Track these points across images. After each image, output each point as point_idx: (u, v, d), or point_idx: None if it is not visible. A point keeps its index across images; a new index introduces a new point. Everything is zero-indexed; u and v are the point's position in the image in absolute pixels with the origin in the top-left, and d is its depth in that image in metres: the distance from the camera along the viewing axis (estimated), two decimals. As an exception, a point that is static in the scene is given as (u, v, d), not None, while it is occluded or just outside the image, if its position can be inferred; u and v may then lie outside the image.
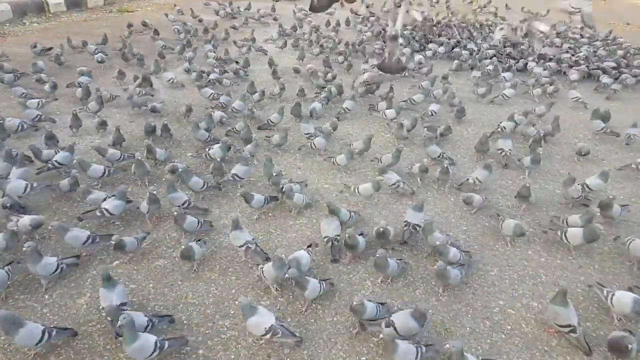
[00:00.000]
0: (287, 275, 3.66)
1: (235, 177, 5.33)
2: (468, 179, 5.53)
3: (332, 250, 4.31)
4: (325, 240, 4.35)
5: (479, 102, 8.50)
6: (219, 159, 5.41)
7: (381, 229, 4.21)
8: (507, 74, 9.59)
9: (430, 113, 7.53)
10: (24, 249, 3.66)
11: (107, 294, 3.44)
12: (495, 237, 4.79)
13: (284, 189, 4.86)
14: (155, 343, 3.08)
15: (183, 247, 3.96)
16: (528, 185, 5.04)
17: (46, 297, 3.75)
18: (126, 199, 4.63)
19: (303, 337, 3.48)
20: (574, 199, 5.27)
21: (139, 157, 5.27)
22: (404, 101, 7.95)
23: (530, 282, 4.19)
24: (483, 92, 8.46)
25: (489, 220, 5.07)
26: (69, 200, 4.96)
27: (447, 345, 3.01)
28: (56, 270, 3.76)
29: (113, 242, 3.96)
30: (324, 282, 3.80)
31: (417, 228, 4.49)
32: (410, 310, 3.38)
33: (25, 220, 4.22)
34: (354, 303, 3.40)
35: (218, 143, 5.86)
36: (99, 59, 9.13)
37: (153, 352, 3.06)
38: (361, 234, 4.29)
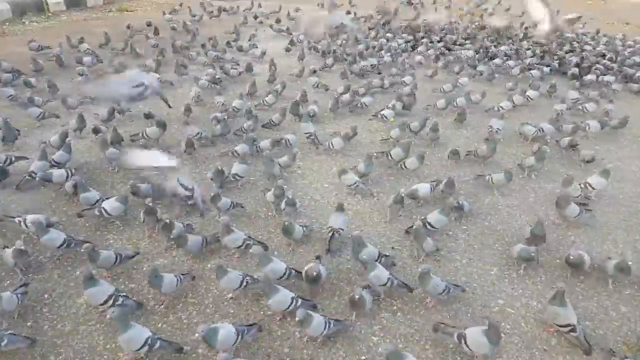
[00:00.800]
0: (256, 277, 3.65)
1: (236, 176, 5.33)
2: (485, 176, 5.57)
3: (330, 241, 4.41)
4: (328, 229, 4.46)
5: (479, 104, 8.44)
6: (244, 155, 5.63)
7: (314, 273, 3.70)
8: (535, 72, 9.61)
9: (497, 109, 7.69)
10: None
11: (98, 290, 3.43)
12: (494, 237, 4.80)
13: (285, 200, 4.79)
14: (147, 339, 3.09)
15: (150, 270, 3.61)
16: (542, 222, 4.44)
17: (45, 296, 3.75)
18: (127, 202, 4.62)
19: (303, 336, 3.49)
20: (574, 198, 5.26)
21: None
22: (427, 106, 7.92)
23: (529, 281, 4.19)
24: (520, 101, 8.04)
25: (489, 219, 5.08)
26: (68, 199, 4.96)
27: (383, 347, 3.07)
28: (18, 302, 3.47)
29: (85, 251, 3.80)
30: (300, 299, 3.60)
31: (428, 226, 4.53)
32: (484, 327, 3.26)
33: (39, 219, 4.20)
34: (298, 317, 3.23)
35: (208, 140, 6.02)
36: (88, 63, 9.02)
37: (142, 347, 3.08)
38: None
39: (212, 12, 14.64)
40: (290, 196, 4.79)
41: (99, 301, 3.46)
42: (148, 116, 6.92)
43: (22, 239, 4.02)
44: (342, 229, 4.46)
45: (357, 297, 3.48)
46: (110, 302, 3.43)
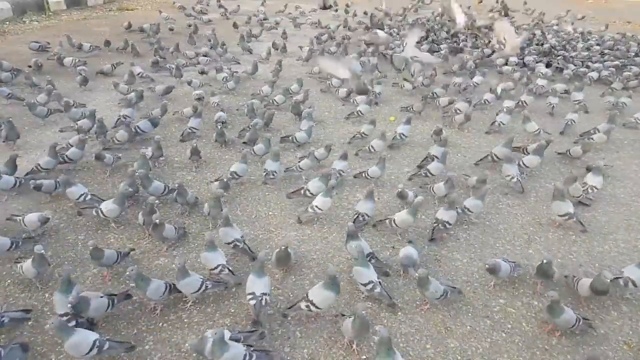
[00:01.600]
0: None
1: (234, 174, 5.30)
2: (516, 180, 5.45)
3: (355, 224, 4.44)
4: (355, 214, 4.71)
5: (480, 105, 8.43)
6: (261, 155, 5.86)
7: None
8: (541, 67, 9.48)
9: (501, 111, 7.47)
10: None
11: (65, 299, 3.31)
12: (495, 236, 4.79)
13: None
14: (94, 342, 3.02)
15: (135, 273, 3.42)
16: (548, 261, 3.93)
17: (46, 295, 3.74)
18: (125, 204, 4.57)
19: (303, 336, 3.49)
20: (575, 197, 5.26)
21: (146, 153, 5.28)
22: (445, 113, 7.81)
23: (530, 280, 4.18)
24: (531, 100, 7.81)
25: (489, 218, 5.07)
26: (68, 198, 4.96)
27: (377, 328, 3.03)
28: None
29: (90, 249, 3.78)
30: (262, 303, 3.41)
31: (447, 225, 4.55)
32: None
33: (33, 217, 4.22)
34: (211, 340, 2.93)
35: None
36: (68, 64, 8.82)
37: (90, 351, 3.00)
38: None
39: (201, 11, 14.69)
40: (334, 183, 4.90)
41: (61, 312, 3.32)
42: (151, 121, 6.73)
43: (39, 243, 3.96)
44: (369, 215, 4.63)
45: (362, 311, 3.14)
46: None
